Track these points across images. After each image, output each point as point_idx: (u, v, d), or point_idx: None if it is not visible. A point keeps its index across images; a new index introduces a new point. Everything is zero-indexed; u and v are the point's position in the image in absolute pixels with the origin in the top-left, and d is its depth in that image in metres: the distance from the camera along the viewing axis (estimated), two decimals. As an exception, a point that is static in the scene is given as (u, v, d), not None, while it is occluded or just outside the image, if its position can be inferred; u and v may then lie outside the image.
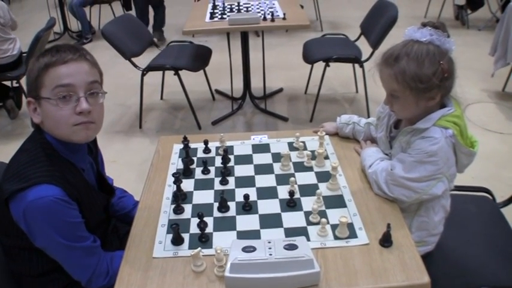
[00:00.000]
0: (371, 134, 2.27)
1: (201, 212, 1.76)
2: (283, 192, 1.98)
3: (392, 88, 1.86)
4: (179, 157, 2.28)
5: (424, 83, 1.78)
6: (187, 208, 1.93)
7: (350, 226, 1.78)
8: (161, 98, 5.71)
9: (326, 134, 2.30)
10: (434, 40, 1.78)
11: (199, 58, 5.05)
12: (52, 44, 1.80)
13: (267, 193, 2.00)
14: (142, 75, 4.79)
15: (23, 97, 5.23)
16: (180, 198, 1.94)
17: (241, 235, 1.78)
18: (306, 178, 2.08)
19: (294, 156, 2.23)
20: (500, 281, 2.04)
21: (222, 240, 1.74)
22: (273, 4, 5.05)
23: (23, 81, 4.72)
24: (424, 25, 1.83)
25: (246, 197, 1.89)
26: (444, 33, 1.80)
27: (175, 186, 1.98)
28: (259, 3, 5.13)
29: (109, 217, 2.13)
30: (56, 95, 1.66)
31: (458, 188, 2.37)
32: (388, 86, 1.89)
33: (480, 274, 2.07)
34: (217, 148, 2.31)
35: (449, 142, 1.83)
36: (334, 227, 1.77)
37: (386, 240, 1.69)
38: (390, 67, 1.83)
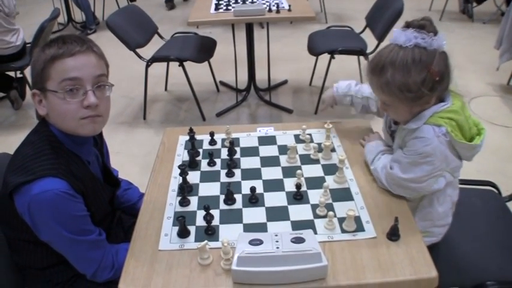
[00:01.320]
0: (370, 108, 2.25)
1: (207, 204, 1.75)
2: (289, 184, 1.97)
3: (382, 98, 1.84)
4: (185, 149, 2.27)
5: (412, 92, 1.72)
6: (193, 200, 1.92)
7: (357, 219, 1.77)
8: (165, 90, 5.70)
9: (328, 105, 2.33)
10: (420, 43, 1.70)
11: (204, 49, 5.03)
12: (56, 35, 1.77)
13: (274, 186, 1.99)
14: (147, 66, 4.77)
15: (27, 88, 5.24)
16: (186, 190, 1.93)
17: (248, 228, 1.77)
18: (313, 171, 2.07)
19: (301, 148, 2.22)
20: (506, 275, 2.04)
21: (229, 233, 1.74)
22: (278, -5, 5.03)
23: (27, 72, 4.72)
24: (408, 25, 1.75)
25: (253, 189, 1.88)
26: (430, 33, 1.71)
27: (181, 178, 1.98)
28: (264, -6, 5.11)
29: (114, 209, 2.13)
30: (62, 88, 1.64)
31: (464, 181, 2.36)
32: (378, 95, 1.86)
33: (486, 268, 2.07)
34: (223, 140, 2.31)
35: (443, 140, 1.77)
36: (341, 220, 1.76)
37: (393, 234, 1.68)
38: (377, 77, 1.78)
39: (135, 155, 4.36)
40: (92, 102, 1.67)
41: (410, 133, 1.83)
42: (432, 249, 1.97)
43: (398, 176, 1.85)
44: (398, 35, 1.74)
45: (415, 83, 1.70)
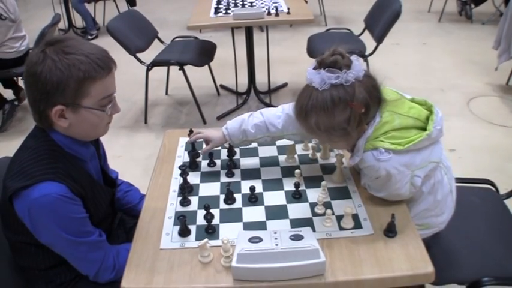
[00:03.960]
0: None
1: (207, 204, 1.77)
2: (288, 184, 2.00)
3: (315, 138, 1.83)
4: (185, 150, 2.29)
5: (339, 130, 1.68)
6: (194, 200, 1.95)
7: (355, 217, 1.79)
8: (166, 93, 5.73)
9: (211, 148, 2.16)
10: (335, 83, 1.63)
11: (204, 53, 5.06)
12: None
13: (273, 185, 2.01)
14: (148, 70, 4.80)
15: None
16: (186, 190, 1.96)
17: (248, 226, 1.79)
18: (311, 170, 2.10)
19: (299, 148, 2.25)
20: (505, 272, 2.05)
21: (229, 231, 1.76)
22: (277, -1, 5.06)
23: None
24: (320, 64, 1.67)
25: (252, 188, 1.91)
26: (343, 68, 1.63)
27: (181, 178, 2.01)
28: (263, -2, 5.14)
29: (115, 210, 2.16)
30: (101, 104, 1.70)
31: (462, 180, 2.38)
32: (311, 136, 1.83)
33: (483, 264, 2.08)
34: (222, 141, 2.32)
35: (387, 157, 1.70)
36: (339, 218, 1.79)
37: (390, 231, 1.70)
38: (302, 123, 1.75)
39: (136, 159, 4.38)
40: (119, 110, 1.81)
41: (360, 163, 1.81)
42: (430, 245, 1.99)
43: (376, 195, 1.87)
44: (312, 77, 1.67)
45: (339, 123, 1.66)
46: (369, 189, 1.89)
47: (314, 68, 1.69)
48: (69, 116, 1.67)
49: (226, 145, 2.22)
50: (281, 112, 2.05)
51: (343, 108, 1.64)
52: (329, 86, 1.63)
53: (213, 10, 4.85)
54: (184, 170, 1.99)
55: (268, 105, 5.17)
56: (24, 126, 5.09)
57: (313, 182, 2.01)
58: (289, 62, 6.35)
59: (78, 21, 8.14)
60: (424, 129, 1.75)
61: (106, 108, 1.72)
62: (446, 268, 2.04)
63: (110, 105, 1.73)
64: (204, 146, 2.19)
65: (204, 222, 1.78)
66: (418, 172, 1.77)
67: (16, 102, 5.30)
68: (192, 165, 2.16)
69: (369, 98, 1.67)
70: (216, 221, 1.82)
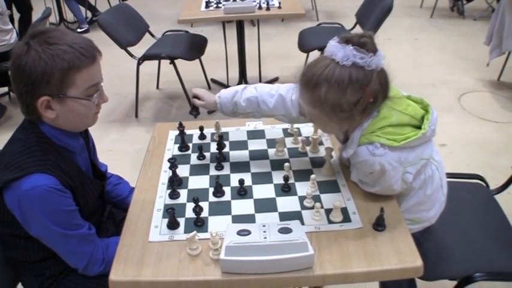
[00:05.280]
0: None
1: (196, 196, 1.77)
2: (278, 177, 2.00)
3: (311, 112, 1.75)
4: (175, 143, 2.29)
5: (345, 111, 1.65)
6: (183, 193, 1.94)
7: (344, 210, 1.79)
8: (157, 87, 5.73)
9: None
10: (358, 62, 1.59)
11: (195, 47, 5.06)
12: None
13: (262, 178, 2.01)
14: (138, 64, 4.80)
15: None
16: (175, 183, 1.95)
17: (236, 219, 1.79)
18: (301, 164, 2.10)
19: (289, 142, 2.24)
20: (495, 267, 2.06)
21: (218, 224, 1.76)
22: (269, -7, 5.05)
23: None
24: (347, 41, 1.62)
25: (241, 181, 1.90)
26: (370, 52, 1.60)
27: (170, 171, 1.99)
28: (255, -8, 5.13)
29: (104, 203, 2.15)
30: (88, 94, 1.69)
31: (452, 175, 2.38)
32: (307, 109, 1.77)
33: (474, 260, 2.09)
34: (212, 134, 2.32)
35: (382, 152, 1.69)
36: (328, 212, 1.79)
37: (379, 224, 1.70)
38: (309, 92, 1.68)
39: (126, 153, 4.37)
40: (106, 100, 1.79)
41: (352, 157, 1.80)
42: (421, 241, 1.99)
43: (369, 191, 1.86)
44: (336, 49, 1.62)
45: (348, 104, 1.63)
46: (361, 184, 1.89)
47: (339, 42, 1.64)
48: (56, 107, 1.66)
49: (216, 138, 2.23)
50: (275, 91, 2.05)
51: (357, 90, 1.61)
52: (350, 64, 1.59)
53: (204, 4, 4.86)
54: (174, 162, 1.98)
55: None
56: (15, 121, 5.05)
57: (303, 175, 2.01)
58: (281, 57, 6.36)
59: (70, 15, 8.10)
60: (418, 127, 1.74)
61: (93, 97, 1.70)
62: (438, 264, 2.04)
63: (96, 95, 1.72)
64: (195, 135, 2.24)
65: (193, 215, 1.77)
66: (410, 169, 1.77)
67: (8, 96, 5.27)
68: (181, 148, 2.20)
69: (379, 91, 1.66)
70: (204, 213, 1.81)
